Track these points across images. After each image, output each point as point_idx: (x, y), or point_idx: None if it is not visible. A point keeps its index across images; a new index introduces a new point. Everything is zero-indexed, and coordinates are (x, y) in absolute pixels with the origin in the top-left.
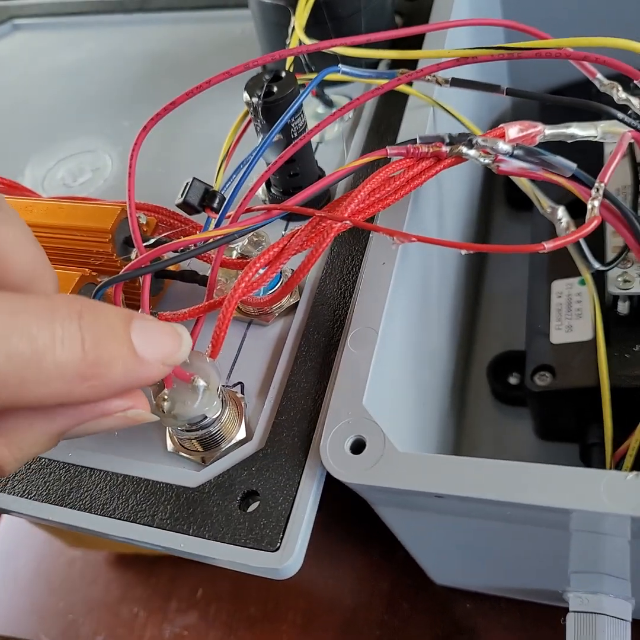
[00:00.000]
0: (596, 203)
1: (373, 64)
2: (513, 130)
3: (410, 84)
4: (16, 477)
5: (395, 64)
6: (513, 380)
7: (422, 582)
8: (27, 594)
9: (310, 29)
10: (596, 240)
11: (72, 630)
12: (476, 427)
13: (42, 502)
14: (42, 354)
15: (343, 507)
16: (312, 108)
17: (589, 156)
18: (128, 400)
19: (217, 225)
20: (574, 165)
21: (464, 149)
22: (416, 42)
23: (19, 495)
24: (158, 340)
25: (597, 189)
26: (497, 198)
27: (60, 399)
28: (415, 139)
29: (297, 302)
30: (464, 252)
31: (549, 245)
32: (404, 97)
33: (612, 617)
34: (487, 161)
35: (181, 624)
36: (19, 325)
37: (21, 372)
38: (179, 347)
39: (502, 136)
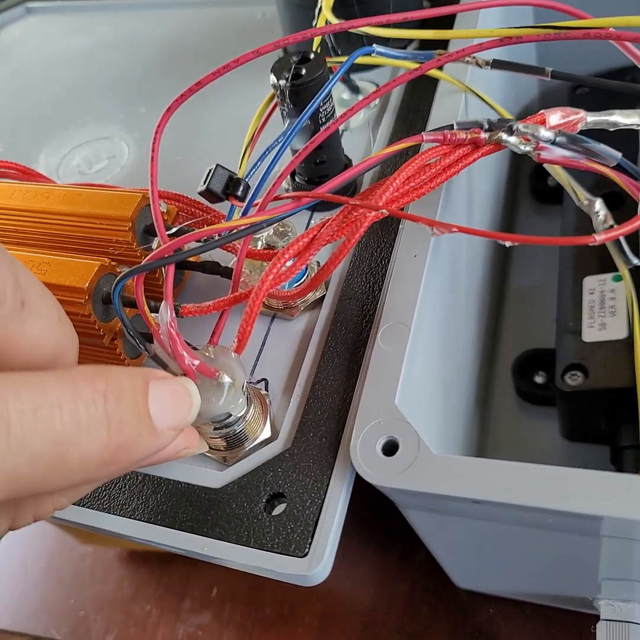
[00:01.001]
0: None
1: (400, 47)
2: (554, 117)
3: (440, 68)
4: None
5: (423, 46)
6: (539, 379)
7: (443, 586)
8: (38, 590)
9: (336, 11)
10: (630, 235)
11: (83, 627)
12: (500, 426)
13: None
14: (67, 451)
15: (362, 508)
16: (337, 94)
17: (627, 145)
18: (184, 440)
19: (243, 214)
20: (619, 155)
21: (504, 136)
22: (444, 24)
23: None
24: (172, 408)
25: None
26: (522, 190)
27: (79, 484)
28: (452, 125)
29: (323, 296)
30: (508, 243)
31: (600, 237)
32: (433, 83)
33: None
34: (527, 149)
35: (195, 623)
36: (42, 422)
37: (44, 474)
38: (189, 410)
39: (543, 123)
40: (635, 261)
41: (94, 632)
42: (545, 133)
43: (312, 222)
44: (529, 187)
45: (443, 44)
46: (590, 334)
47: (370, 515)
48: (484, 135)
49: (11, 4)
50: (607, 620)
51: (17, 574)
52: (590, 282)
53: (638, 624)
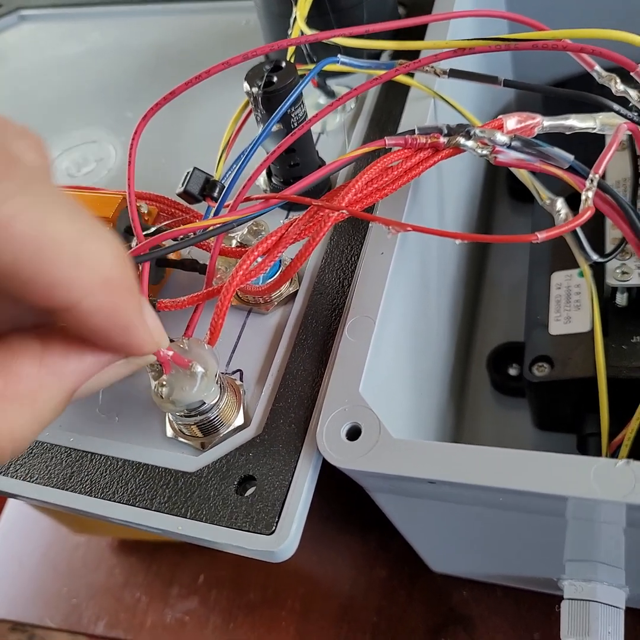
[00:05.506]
0: (590, 194)
1: (375, 55)
2: (511, 122)
3: (411, 74)
4: (18, 462)
5: (397, 55)
6: (513, 371)
7: (420, 570)
8: (32, 579)
9: (313, 20)
10: (596, 233)
11: (76, 615)
12: (475, 417)
13: (44, 485)
14: (83, 237)
15: (342, 497)
16: (313, 99)
17: (591, 148)
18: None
19: (216, 214)
20: (571, 157)
21: (462, 140)
22: (419, 34)
23: (22, 479)
24: (155, 321)
25: (591, 180)
26: (500, 190)
27: (80, 296)
28: (414, 130)
29: (297, 291)
30: (457, 241)
31: (542, 236)
32: (406, 88)
33: (606, 604)
34: (484, 152)
35: (182, 609)
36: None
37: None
38: (163, 335)
39: (500, 127)
40: (594, 257)
41: (85, 619)
42: (501, 137)
43: (287, 220)
44: (506, 186)
45: (415, 53)
46: (556, 327)
47: (351, 503)
48: (443, 140)
49: (5, 11)
50: (569, 599)
51: (12, 564)
52: (558, 278)
53: (598, 602)
